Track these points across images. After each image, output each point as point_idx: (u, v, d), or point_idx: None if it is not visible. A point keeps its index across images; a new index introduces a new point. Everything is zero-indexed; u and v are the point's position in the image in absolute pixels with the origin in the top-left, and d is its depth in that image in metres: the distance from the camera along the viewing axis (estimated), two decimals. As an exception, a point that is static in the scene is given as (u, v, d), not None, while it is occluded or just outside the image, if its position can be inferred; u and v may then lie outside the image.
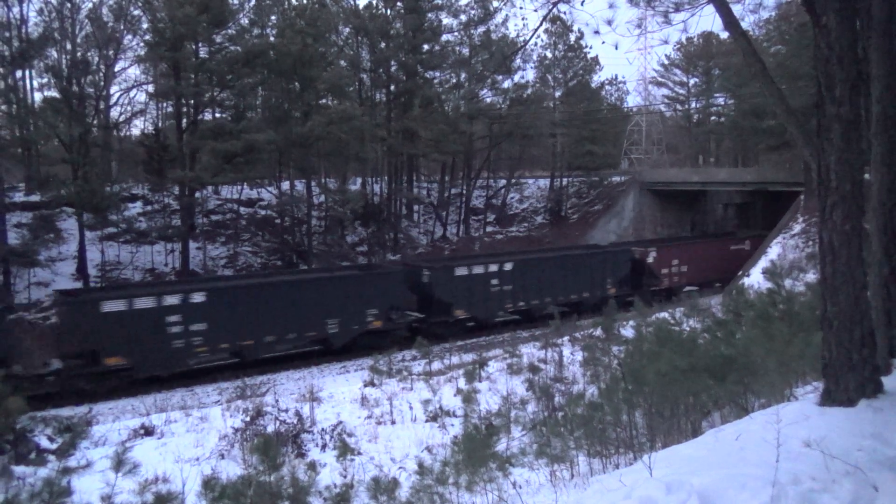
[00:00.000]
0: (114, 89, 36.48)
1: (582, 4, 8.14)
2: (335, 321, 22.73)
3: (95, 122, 33.19)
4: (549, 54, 45.47)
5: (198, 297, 20.28)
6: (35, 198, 31.13)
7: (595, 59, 47.01)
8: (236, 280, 25.22)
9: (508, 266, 26.73)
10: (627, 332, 15.26)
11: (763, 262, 26.32)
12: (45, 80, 33.23)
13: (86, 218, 28.69)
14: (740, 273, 28.71)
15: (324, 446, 11.56)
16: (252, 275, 29.14)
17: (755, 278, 21.97)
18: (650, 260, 30.98)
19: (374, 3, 39.96)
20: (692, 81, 59.38)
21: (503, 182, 47.78)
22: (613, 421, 8.16)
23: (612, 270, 29.86)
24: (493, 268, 26.48)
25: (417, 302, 25.04)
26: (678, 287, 31.92)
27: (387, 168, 42.33)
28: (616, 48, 9.77)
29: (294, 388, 18.48)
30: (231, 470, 9.30)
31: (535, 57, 44.64)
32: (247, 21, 37.15)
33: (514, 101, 43.53)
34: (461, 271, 25.68)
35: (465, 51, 42.82)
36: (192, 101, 32.26)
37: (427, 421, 12.71)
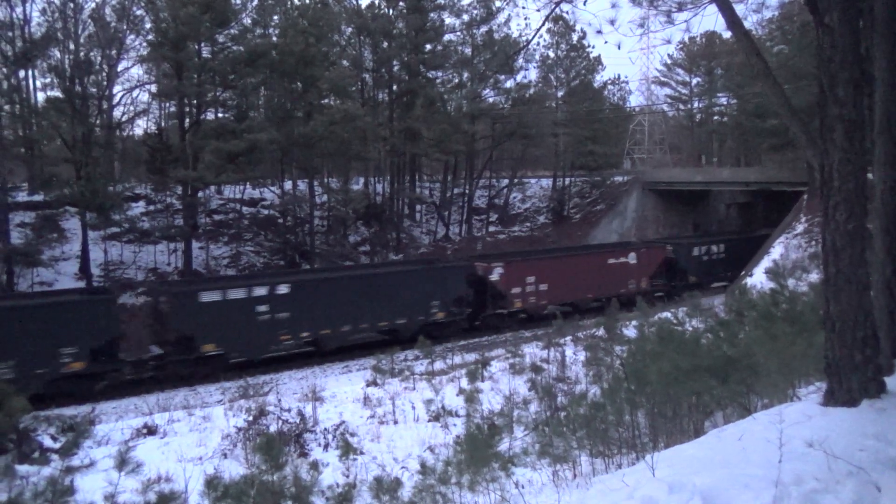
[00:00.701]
0: (117, 89, 36.56)
1: (584, 4, 8.15)
2: (5, 365, 17.44)
3: (98, 121, 33.24)
4: (551, 54, 45.48)
5: None
6: (38, 197, 31.22)
7: (597, 59, 46.99)
8: None
9: (283, 289, 21.99)
10: (630, 331, 15.25)
11: (766, 262, 26.32)
12: (48, 80, 33.29)
13: (89, 217, 28.75)
14: (743, 273, 28.68)
15: (326, 446, 11.59)
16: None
17: (758, 278, 21.94)
18: (494, 277, 26.25)
19: (377, 2, 39.99)
20: (695, 81, 59.31)
21: (506, 182, 47.78)
22: (616, 421, 8.15)
23: (441, 291, 25.12)
24: (260, 291, 21.57)
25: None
26: (536, 309, 27.40)
27: (389, 168, 42.36)
28: (619, 48, 9.75)
29: (297, 387, 18.49)
30: (234, 469, 9.32)
31: (537, 57, 44.69)
32: (249, 21, 37.21)
33: (516, 101, 43.53)
34: (209, 297, 20.72)
35: (468, 50, 42.85)
36: (195, 101, 32.31)
37: (429, 421, 12.73)
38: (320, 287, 23.23)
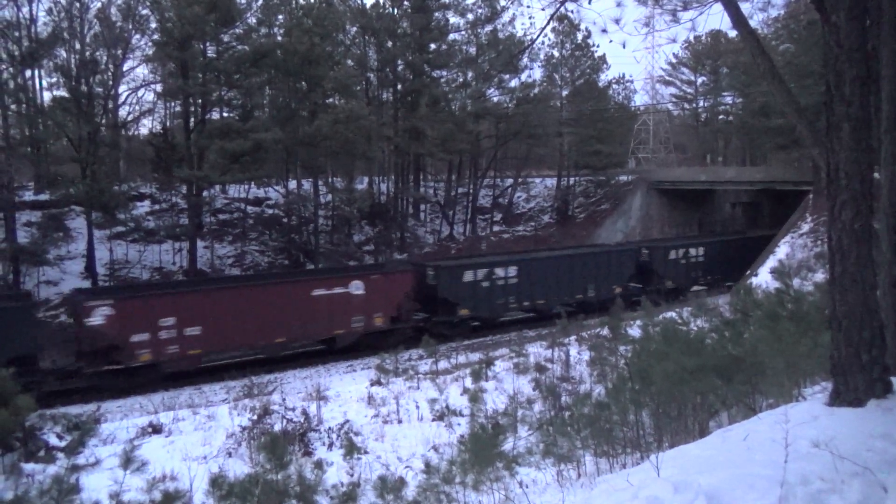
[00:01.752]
0: (122, 88, 36.63)
1: (589, 3, 8.10)
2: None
3: (104, 121, 33.33)
4: (556, 53, 45.46)
5: None
6: (44, 197, 31.34)
7: (602, 58, 46.94)
8: None
9: None
10: (634, 331, 15.21)
11: (771, 262, 26.25)
12: (54, 80, 33.51)
13: (94, 217, 28.85)
14: (748, 273, 28.58)
15: (330, 445, 11.58)
16: None
17: (763, 278, 21.90)
18: (97, 320, 18.92)
19: (381, 2, 40.00)
20: (700, 80, 59.20)
21: (510, 181, 47.76)
22: (620, 421, 8.14)
23: None
24: None
25: None
26: (182, 361, 20.53)
27: (393, 167, 42.37)
28: (624, 47, 9.71)
29: (301, 386, 18.52)
30: (238, 468, 9.34)
31: (542, 56, 44.68)
32: (254, 20, 37.25)
33: (520, 100, 43.49)
34: None
35: (472, 50, 42.80)
36: (200, 101, 32.36)
37: (433, 420, 12.71)
38: None
